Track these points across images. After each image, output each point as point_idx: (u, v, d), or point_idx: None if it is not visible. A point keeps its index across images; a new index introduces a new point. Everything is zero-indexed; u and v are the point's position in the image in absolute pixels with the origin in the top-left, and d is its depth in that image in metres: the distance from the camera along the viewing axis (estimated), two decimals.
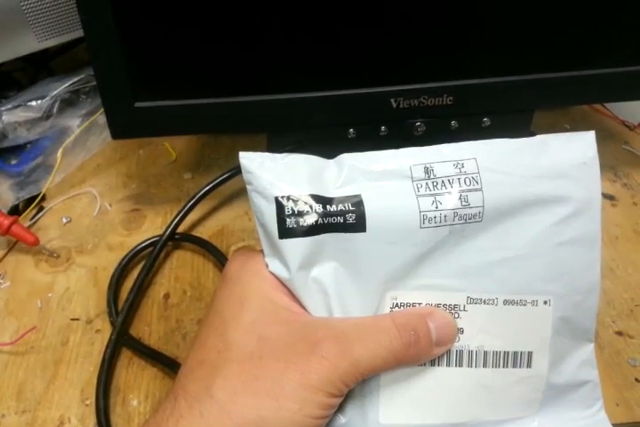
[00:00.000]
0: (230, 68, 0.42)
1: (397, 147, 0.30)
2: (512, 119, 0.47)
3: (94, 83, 0.53)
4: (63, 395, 0.38)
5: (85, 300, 0.44)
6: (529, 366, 0.30)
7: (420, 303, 0.30)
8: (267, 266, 0.30)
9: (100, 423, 0.36)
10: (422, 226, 0.29)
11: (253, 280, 0.30)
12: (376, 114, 0.45)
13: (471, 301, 0.30)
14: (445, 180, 0.29)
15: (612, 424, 0.32)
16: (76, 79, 0.54)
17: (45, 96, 0.52)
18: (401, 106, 0.44)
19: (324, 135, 0.45)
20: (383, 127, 0.45)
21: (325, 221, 0.28)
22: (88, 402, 0.38)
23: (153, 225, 0.49)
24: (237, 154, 0.30)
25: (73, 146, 0.54)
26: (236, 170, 0.46)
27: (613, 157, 0.54)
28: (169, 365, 0.39)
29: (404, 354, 0.28)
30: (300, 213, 0.28)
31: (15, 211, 0.50)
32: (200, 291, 0.44)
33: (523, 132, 0.48)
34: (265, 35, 0.40)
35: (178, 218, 0.45)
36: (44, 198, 0.52)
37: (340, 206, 0.29)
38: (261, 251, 0.30)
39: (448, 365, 0.30)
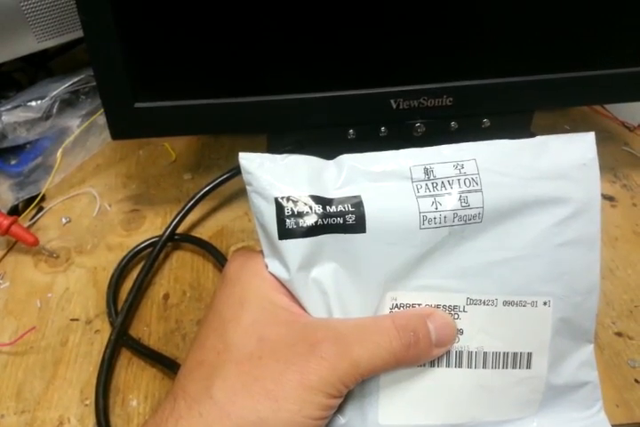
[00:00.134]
0: (230, 68, 0.42)
1: (397, 148, 0.30)
2: (512, 120, 0.47)
3: (94, 83, 0.53)
4: (62, 395, 0.38)
5: (85, 300, 0.44)
6: (528, 366, 0.30)
7: (419, 304, 0.30)
8: (266, 267, 0.30)
9: (99, 424, 0.36)
10: (422, 227, 0.29)
11: (253, 281, 0.30)
12: (376, 115, 0.45)
13: (471, 302, 0.30)
14: (445, 181, 0.29)
15: (612, 425, 0.32)
16: (75, 80, 0.54)
17: (45, 96, 0.52)
18: (401, 107, 0.44)
19: (324, 136, 0.45)
20: (383, 128, 0.45)
21: (325, 222, 0.28)
22: (87, 402, 0.38)
23: (152, 225, 0.49)
24: (237, 154, 0.30)
25: (72, 146, 0.54)
26: (236, 170, 0.46)
27: (613, 158, 0.54)
28: (168, 365, 0.39)
29: (404, 355, 0.28)
30: (300, 214, 0.28)
31: (15, 211, 0.50)
32: (199, 291, 0.44)
33: (523, 132, 0.48)
34: (265, 35, 0.40)
35: (177, 218, 0.45)
36: (43, 199, 0.52)
37: (340, 207, 0.28)
38: (261, 251, 0.30)
39: (448, 365, 0.30)
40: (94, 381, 0.38)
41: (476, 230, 0.29)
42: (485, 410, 0.30)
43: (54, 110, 0.52)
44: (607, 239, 0.47)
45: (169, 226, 0.45)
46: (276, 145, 0.46)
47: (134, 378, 0.39)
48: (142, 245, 0.45)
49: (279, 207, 0.28)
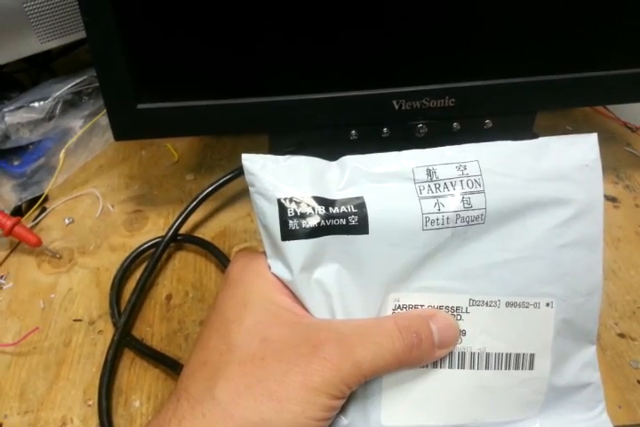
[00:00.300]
0: (232, 69, 0.42)
1: (399, 148, 0.30)
2: (514, 121, 0.47)
3: (97, 84, 0.53)
4: (65, 396, 0.38)
5: (88, 301, 0.44)
6: (531, 368, 0.30)
7: (422, 305, 0.30)
8: (269, 268, 0.30)
9: (102, 424, 0.36)
10: (425, 228, 0.29)
11: (256, 282, 0.30)
12: (378, 115, 0.45)
13: (473, 303, 0.30)
14: (448, 182, 0.29)
15: None
16: (78, 80, 0.54)
17: (48, 97, 0.52)
18: (403, 108, 0.44)
19: (326, 137, 0.45)
20: (385, 129, 0.45)
21: (328, 223, 0.28)
22: (90, 403, 0.38)
23: (155, 226, 0.49)
24: (239, 155, 0.30)
25: (75, 147, 0.54)
26: (239, 171, 0.46)
27: (616, 159, 0.54)
28: (171, 366, 0.39)
29: (407, 356, 0.28)
30: (303, 215, 0.28)
31: (18, 212, 0.50)
32: (202, 292, 0.44)
33: (525, 133, 0.48)
34: (267, 36, 0.40)
35: (180, 219, 0.46)
36: (46, 199, 0.52)
37: (343, 208, 0.29)
38: (264, 252, 0.30)
39: (450, 367, 0.30)
40: (97, 381, 0.38)
41: (478, 232, 0.29)
42: (487, 411, 0.30)
43: (57, 111, 0.52)
44: (610, 240, 0.47)
45: (171, 226, 0.45)
46: (278, 146, 0.46)
47: (137, 379, 0.39)
48: (145, 245, 0.45)
49: (282, 208, 0.28)
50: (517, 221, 0.30)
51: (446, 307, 0.30)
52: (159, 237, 0.45)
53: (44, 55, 0.56)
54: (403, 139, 0.46)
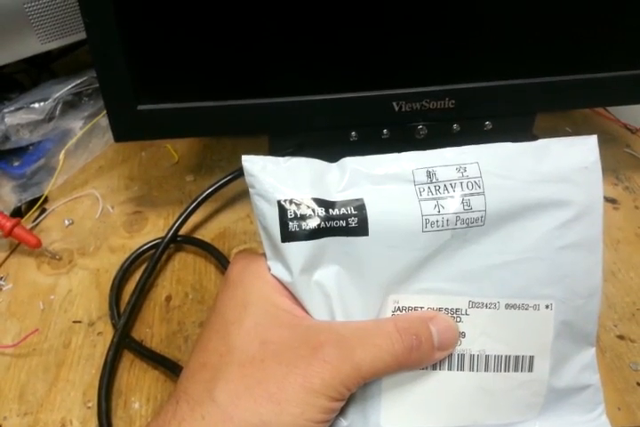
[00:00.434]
0: (232, 70, 0.42)
1: (399, 150, 0.30)
2: (514, 123, 0.47)
3: (97, 85, 0.53)
4: (65, 397, 0.38)
5: (87, 302, 0.44)
6: (530, 370, 0.30)
7: (422, 307, 0.30)
8: (269, 269, 0.30)
9: (101, 426, 0.36)
10: (424, 230, 0.29)
11: (256, 283, 0.30)
12: (378, 117, 0.45)
13: (473, 305, 0.30)
14: (448, 184, 0.29)
15: None
16: (78, 81, 0.54)
17: (48, 98, 0.52)
18: (403, 109, 0.44)
19: (326, 138, 0.45)
20: (385, 130, 0.45)
21: (328, 225, 0.28)
22: (90, 405, 0.38)
23: (155, 227, 0.49)
24: (239, 156, 0.30)
25: (75, 148, 0.54)
26: (238, 172, 0.46)
27: (615, 161, 0.54)
28: (171, 367, 0.39)
29: (406, 358, 0.28)
30: (303, 217, 0.28)
31: (17, 213, 0.50)
32: (202, 293, 0.44)
33: (525, 135, 0.48)
34: (266, 37, 0.40)
35: (180, 220, 0.45)
36: (46, 200, 0.52)
37: (343, 210, 0.29)
38: (263, 254, 0.30)
39: (450, 368, 0.30)
40: (97, 383, 0.38)
41: (478, 233, 0.29)
42: (487, 413, 0.30)
43: (57, 112, 0.52)
44: (609, 242, 0.47)
45: (171, 228, 0.45)
46: (278, 147, 0.46)
47: (137, 380, 0.39)
48: (145, 246, 0.45)
49: (282, 210, 0.28)
50: (517, 222, 0.30)
51: (446, 309, 0.30)
52: (159, 239, 0.45)
53: (44, 56, 0.56)
54: (403, 140, 0.46)
